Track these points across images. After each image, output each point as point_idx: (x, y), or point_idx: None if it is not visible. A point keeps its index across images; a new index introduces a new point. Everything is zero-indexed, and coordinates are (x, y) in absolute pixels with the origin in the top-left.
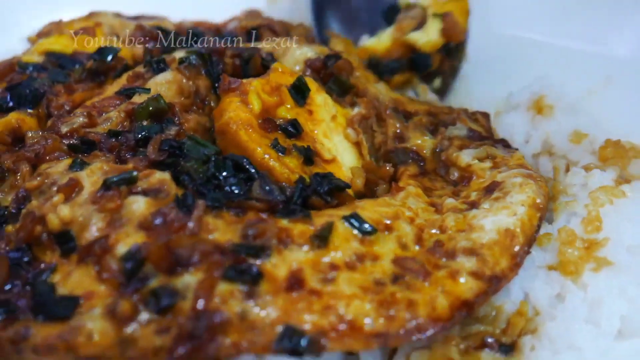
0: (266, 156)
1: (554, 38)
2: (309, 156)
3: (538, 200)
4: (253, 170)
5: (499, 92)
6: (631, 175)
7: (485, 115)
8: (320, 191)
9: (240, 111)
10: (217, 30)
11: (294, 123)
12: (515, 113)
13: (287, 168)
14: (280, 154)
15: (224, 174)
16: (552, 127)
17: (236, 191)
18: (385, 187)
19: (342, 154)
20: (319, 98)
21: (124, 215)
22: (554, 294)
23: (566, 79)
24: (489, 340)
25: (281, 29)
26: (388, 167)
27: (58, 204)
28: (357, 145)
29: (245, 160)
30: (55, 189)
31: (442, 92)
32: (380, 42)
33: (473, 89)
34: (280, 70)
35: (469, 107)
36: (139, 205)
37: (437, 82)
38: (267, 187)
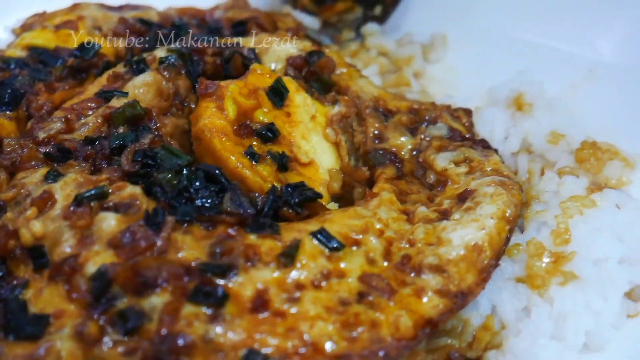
0: (239, 165)
1: (538, 37)
2: (284, 163)
3: (507, 213)
4: (225, 182)
5: (483, 85)
6: (606, 178)
7: (468, 112)
8: (291, 202)
9: (215, 118)
10: (202, 20)
11: (271, 127)
12: (495, 109)
13: (259, 177)
14: (254, 162)
15: (196, 185)
16: (531, 125)
17: (207, 205)
18: (361, 191)
19: (320, 155)
20: (298, 98)
21: (94, 232)
22: (520, 307)
23: (546, 77)
24: (455, 355)
25: (268, 22)
26: (365, 170)
27: (31, 218)
28: (337, 145)
29: (217, 171)
30: (29, 201)
31: (382, 19)
32: None
33: (458, 80)
34: (258, 71)
35: (452, 97)
36: (108, 222)
37: (378, 10)
38: (238, 201)
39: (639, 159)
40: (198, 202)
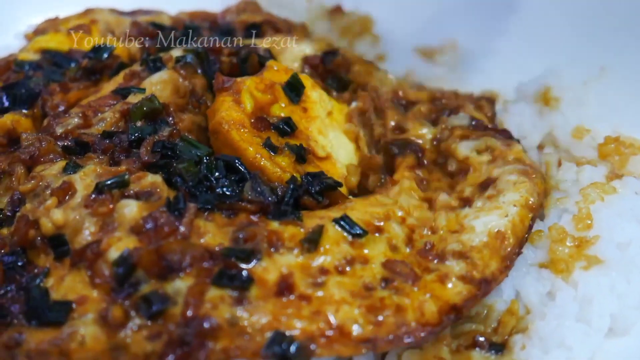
0: (258, 155)
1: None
2: (302, 154)
3: (531, 201)
4: (245, 171)
5: (505, 85)
6: (628, 171)
7: (490, 101)
8: (311, 191)
9: (233, 111)
10: (214, 23)
11: (287, 121)
12: (523, 104)
13: (278, 167)
14: (272, 153)
15: (216, 175)
16: (558, 120)
17: (228, 193)
18: (374, 178)
19: (337, 150)
20: (314, 94)
21: (116, 219)
22: (545, 292)
23: (572, 72)
24: (480, 339)
25: (283, 26)
26: (379, 157)
27: (51, 207)
28: (356, 139)
29: (237, 160)
30: (49, 192)
31: None
32: None
33: (482, 78)
34: (275, 67)
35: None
36: (130, 209)
37: None
38: (259, 189)
39: None
40: (219, 191)
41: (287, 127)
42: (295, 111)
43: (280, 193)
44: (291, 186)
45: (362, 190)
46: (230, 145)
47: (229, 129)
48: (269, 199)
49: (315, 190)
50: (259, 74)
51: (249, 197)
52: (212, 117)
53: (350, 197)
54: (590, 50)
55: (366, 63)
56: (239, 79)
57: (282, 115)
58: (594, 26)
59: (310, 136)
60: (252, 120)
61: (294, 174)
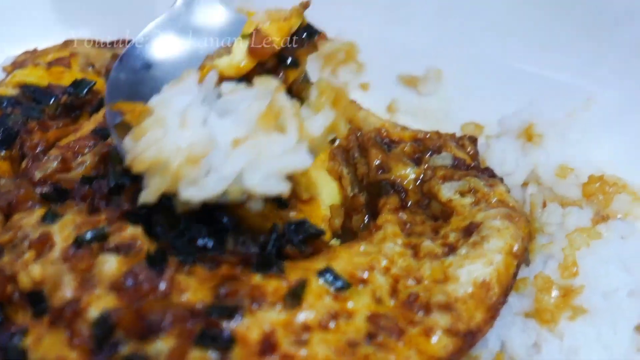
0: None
1: (541, 69)
2: (283, 201)
3: (515, 248)
4: (226, 221)
5: (489, 116)
6: (612, 211)
7: (473, 140)
8: (294, 240)
9: None
10: None
11: None
12: (505, 139)
13: (260, 215)
14: None
15: (198, 225)
16: (541, 157)
17: (210, 245)
18: (358, 218)
19: (321, 190)
20: None
21: (95, 275)
22: (530, 343)
23: (548, 107)
24: None
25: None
26: (361, 196)
27: (29, 262)
28: (339, 178)
29: (218, 211)
30: (27, 243)
31: None
32: None
33: (461, 113)
34: None
35: (457, 130)
36: (110, 265)
37: None
38: (241, 240)
39: None
40: (200, 242)
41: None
42: None
43: (262, 243)
44: (274, 236)
45: (345, 231)
46: None
47: None
48: (252, 250)
49: (298, 240)
50: None
51: (232, 248)
52: None
53: (334, 240)
54: (575, 81)
55: (349, 102)
56: None
57: None
58: (579, 57)
59: (294, 178)
60: None
61: (276, 222)
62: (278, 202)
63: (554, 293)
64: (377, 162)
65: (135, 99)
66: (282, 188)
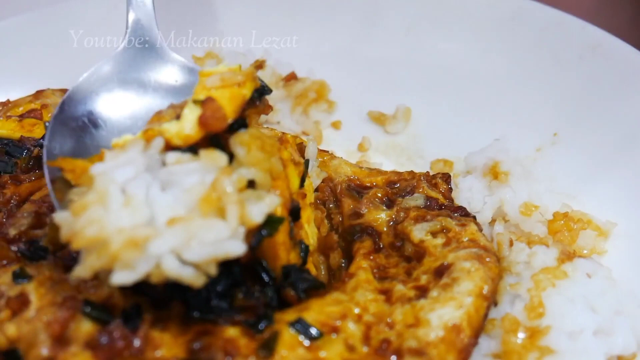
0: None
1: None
2: (307, 256)
3: (485, 290)
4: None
5: (457, 153)
6: (578, 247)
7: (446, 178)
8: (299, 288)
9: None
10: None
11: (297, 206)
12: (472, 177)
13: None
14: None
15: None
16: (507, 194)
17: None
18: (336, 254)
19: (312, 238)
20: (307, 182)
21: (70, 333)
22: None
23: (519, 140)
24: None
25: None
26: (334, 234)
27: (4, 320)
28: (319, 225)
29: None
30: (3, 302)
31: None
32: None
33: (431, 150)
34: None
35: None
36: (85, 323)
37: None
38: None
39: (612, 227)
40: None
41: (298, 212)
42: (298, 195)
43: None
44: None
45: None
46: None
47: None
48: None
49: (302, 289)
50: None
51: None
52: None
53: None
54: (542, 117)
55: (321, 151)
56: None
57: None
58: (546, 94)
59: (302, 226)
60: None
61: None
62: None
63: (521, 335)
64: (349, 209)
65: (75, 151)
66: (200, 279)
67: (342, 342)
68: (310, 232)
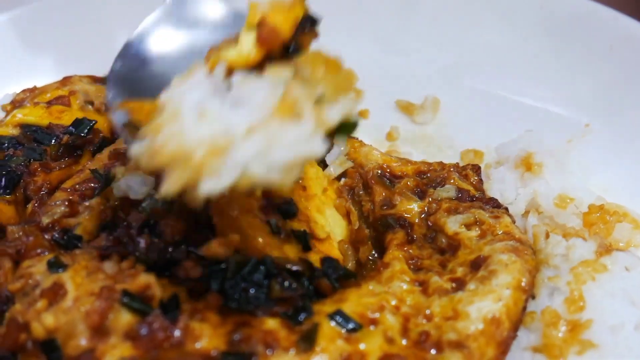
0: (267, 247)
1: (536, 101)
2: (307, 243)
3: (523, 282)
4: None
5: (487, 145)
6: (614, 239)
7: (476, 169)
8: (331, 276)
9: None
10: None
11: (290, 203)
12: (504, 168)
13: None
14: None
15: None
16: (541, 186)
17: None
18: (366, 248)
19: (334, 229)
20: (312, 171)
21: (110, 323)
22: None
23: (550, 131)
24: None
25: None
26: (366, 229)
27: (42, 310)
28: (347, 215)
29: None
30: (38, 292)
31: None
32: None
33: (460, 141)
34: None
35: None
36: (124, 313)
37: None
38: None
39: None
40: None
41: (290, 210)
42: (295, 190)
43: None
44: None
45: (355, 264)
46: (237, 229)
47: (238, 214)
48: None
49: (334, 277)
50: None
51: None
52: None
53: None
54: (571, 112)
55: (350, 138)
56: None
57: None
58: (576, 84)
59: (311, 217)
60: (259, 204)
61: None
62: (303, 246)
63: (562, 327)
64: (381, 198)
65: (137, 96)
66: (291, 177)
67: (381, 334)
68: (332, 222)
